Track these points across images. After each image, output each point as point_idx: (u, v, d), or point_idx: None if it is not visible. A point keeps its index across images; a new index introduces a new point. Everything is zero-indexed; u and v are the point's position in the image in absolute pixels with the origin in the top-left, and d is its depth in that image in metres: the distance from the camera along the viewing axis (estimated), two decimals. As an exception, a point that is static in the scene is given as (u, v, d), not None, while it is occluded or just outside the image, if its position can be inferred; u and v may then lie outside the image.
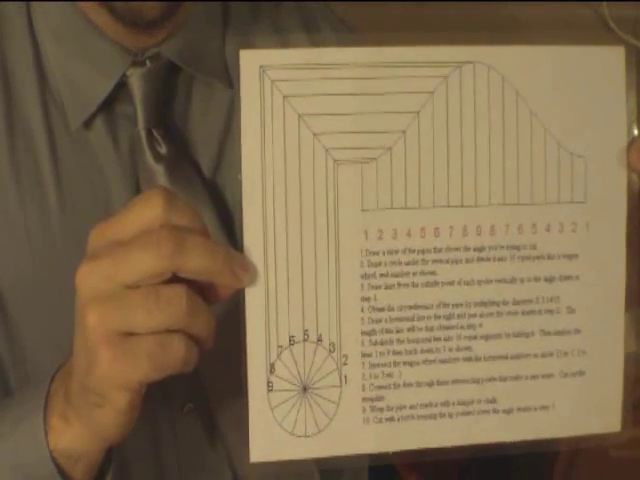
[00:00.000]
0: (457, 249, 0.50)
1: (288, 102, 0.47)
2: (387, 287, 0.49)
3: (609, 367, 0.52)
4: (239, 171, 0.47)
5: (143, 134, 0.65)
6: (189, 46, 0.67)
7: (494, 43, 0.50)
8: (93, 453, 0.52)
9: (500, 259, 0.51)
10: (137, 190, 0.66)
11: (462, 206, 0.50)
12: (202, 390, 0.66)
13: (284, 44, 0.49)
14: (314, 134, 0.48)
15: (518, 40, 0.51)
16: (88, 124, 0.66)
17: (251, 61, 0.47)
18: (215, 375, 0.65)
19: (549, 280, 0.51)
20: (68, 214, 0.65)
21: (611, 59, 0.51)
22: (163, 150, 0.65)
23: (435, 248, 0.50)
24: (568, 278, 0.51)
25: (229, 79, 0.69)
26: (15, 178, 0.64)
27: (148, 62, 0.65)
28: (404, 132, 0.49)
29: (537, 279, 0.51)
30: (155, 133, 0.65)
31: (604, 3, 1.32)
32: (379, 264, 0.49)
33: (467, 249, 0.50)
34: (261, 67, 0.47)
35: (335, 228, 0.49)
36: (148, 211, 0.46)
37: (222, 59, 0.69)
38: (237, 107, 0.47)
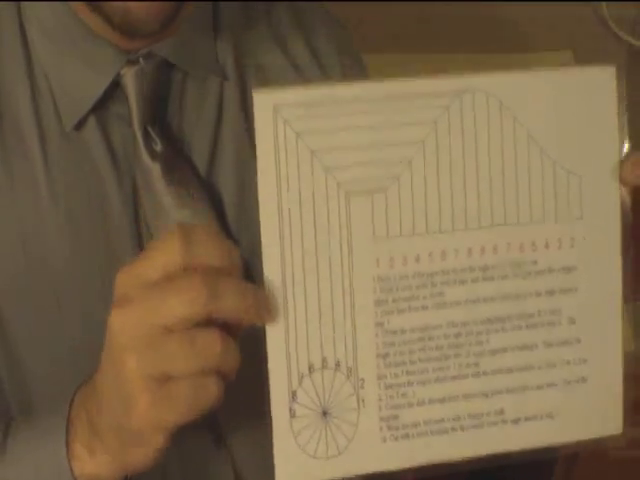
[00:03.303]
0: (463, 270, 0.52)
1: (301, 139, 0.48)
2: (399, 311, 0.51)
3: (609, 373, 0.55)
4: (257, 211, 0.48)
5: (139, 133, 0.65)
6: (181, 44, 0.67)
7: (495, 64, 0.52)
8: (115, 478, 0.53)
9: (503, 277, 0.53)
10: (134, 189, 0.66)
11: (466, 229, 0.52)
12: None
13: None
14: (326, 168, 0.49)
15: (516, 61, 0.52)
16: (82, 124, 0.65)
17: (265, 101, 0.47)
18: None
19: (550, 293, 0.53)
20: (62, 216, 0.65)
21: (602, 79, 0.53)
22: (159, 148, 0.65)
23: (443, 270, 0.51)
24: (568, 290, 0.54)
25: (222, 72, 0.70)
26: (8, 180, 0.64)
27: (142, 61, 0.65)
28: (410, 162, 0.50)
29: (538, 294, 0.53)
30: (151, 131, 0.65)
31: (604, 3, 1.34)
32: (391, 290, 0.51)
33: (472, 269, 0.52)
34: (274, 106, 0.48)
35: (349, 258, 0.50)
36: (168, 254, 0.47)
37: (214, 54, 0.70)
38: (254, 148, 0.48)
